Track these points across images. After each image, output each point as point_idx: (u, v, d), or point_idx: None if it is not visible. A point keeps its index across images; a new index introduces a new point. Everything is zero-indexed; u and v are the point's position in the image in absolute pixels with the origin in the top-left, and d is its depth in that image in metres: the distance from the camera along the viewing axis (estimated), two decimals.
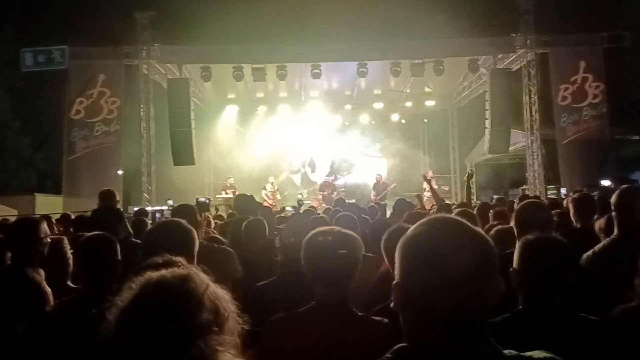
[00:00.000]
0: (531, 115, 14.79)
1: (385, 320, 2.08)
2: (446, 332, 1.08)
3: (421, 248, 1.11)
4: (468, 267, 1.07)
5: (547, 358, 1.14)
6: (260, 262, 3.74)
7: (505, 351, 1.11)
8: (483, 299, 1.09)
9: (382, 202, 12.45)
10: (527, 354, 1.14)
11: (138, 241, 4.64)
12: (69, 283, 3.10)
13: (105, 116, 13.86)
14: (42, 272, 2.49)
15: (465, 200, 6.41)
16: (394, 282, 1.16)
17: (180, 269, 1.18)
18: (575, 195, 4.24)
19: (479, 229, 1.16)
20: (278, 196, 16.60)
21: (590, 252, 2.81)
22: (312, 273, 2.14)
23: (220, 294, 1.15)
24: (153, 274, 1.15)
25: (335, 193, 15.93)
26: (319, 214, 7.15)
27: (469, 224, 1.16)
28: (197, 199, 10.49)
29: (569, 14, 15.75)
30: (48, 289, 2.46)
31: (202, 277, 1.15)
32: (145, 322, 1.05)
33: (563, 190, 12.29)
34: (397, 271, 1.16)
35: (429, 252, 1.09)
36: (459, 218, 1.20)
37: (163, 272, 1.15)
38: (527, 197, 8.63)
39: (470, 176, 7.09)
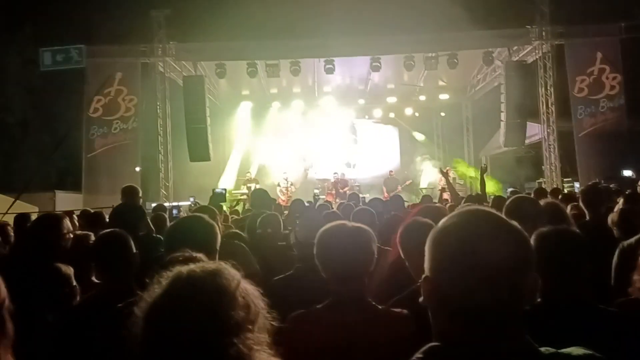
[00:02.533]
0: (547, 107, 14.65)
1: (405, 311, 2.07)
2: (481, 330, 1.02)
3: (455, 242, 1.05)
4: (505, 261, 1.01)
5: (587, 354, 1.07)
6: (276, 256, 3.80)
7: (542, 349, 1.06)
8: (520, 295, 1.04)
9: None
10: (565, 350, 1.07)
11: (159, 237, 4.74)
12: (93, 279, 3.20)
13: (123, 114, 14.06)
14: (71, 268, 2.60)
15: (480, 193, 6.34)
16: (424, 275, 1.09)
17: (210, 264, 1.14)
18: (584, 187, 4.23)
19: (514, 223, 1.10)
20: (293, 189, 16.65)
21: (626, 243, 2.77)
22: (326, 271, 2.10)
23: (250, 290, 1.11)
24: (182, 269, 1.10)
25: (347, 188, 15.99)
26: (333, 209, 7.21)
27: (503, 216, 1.11)
28: (213, 190, 10.65)
29: (585, 4, 15.49)
30: (76, 284, 2.56)
31: (232, 273, 1.12)
32: (177, 318, 1.01)
33: (577, 184, 12.15)
34: (427, 265, 1.09)
35: (464, 246, 1.03)
36: (493, 210, 1.14)
37: (192, 266, 1.11)
38: (543, 190, 8.56)
39: (484, 169, 6.97)
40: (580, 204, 3.87)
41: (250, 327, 1.05)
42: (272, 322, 1.13)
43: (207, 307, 1.02)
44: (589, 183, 5.86)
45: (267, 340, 1.09)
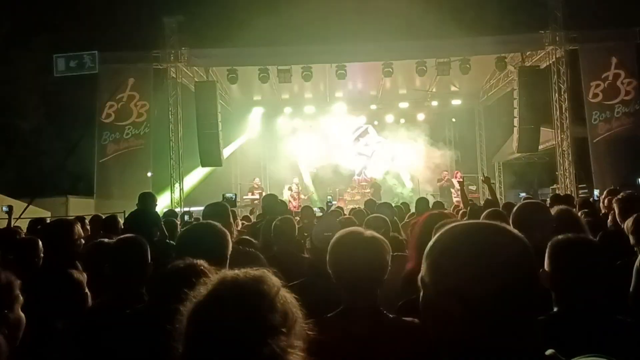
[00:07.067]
0: (561, 113, 14.50)
1: (416, 320, 2.03)
2: (508, 334, 1.01)
3: (475, 247, 1.04)
4: (523, 262, 1.03)
5: None
6: (290, 262, 3.73)
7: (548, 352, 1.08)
8: (534, 297, 1.06)
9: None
10: (582, 357, 1.09)
11: (173, 242, 4.71)
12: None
13: (135, 119, 14.14)
14: (84, 274, 2.57)
15: (491, 198, 6.34)
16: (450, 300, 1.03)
17: (254, 271, 1.20)
18: (620, 196, 4.12)
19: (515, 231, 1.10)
20: (302, 196, 16.66)
21: None
22: (338, 279, 2.07)
23: (289, 298, 1.18)
24: (228, 273, 1.19)
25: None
26: (345, 214, 7.16)
27: (505, 225, 1.11)
28: (223, 195, 10.67)
29: (600, 8, 15.35)
30: (87, 291, 2.54)
31: (274, 280, 1.19)
32: (219, 318, 1.09)
33: (596, 192, 11.96)
34: (445, 280, 1.04)
35: (486, 247, 1.03)
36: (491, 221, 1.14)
37: (237, 272, 1.19)
38: (559, 196, 8.45)
39: (488, 180, 7.12)
40: (617, 212, 3.75)
41: (285, 331, 1.12)
42: (309, 332, 1.19)
43: (245, 309, 1.10)
44: (610, 190, 5.71)
45: (302, 347, 1.15)
